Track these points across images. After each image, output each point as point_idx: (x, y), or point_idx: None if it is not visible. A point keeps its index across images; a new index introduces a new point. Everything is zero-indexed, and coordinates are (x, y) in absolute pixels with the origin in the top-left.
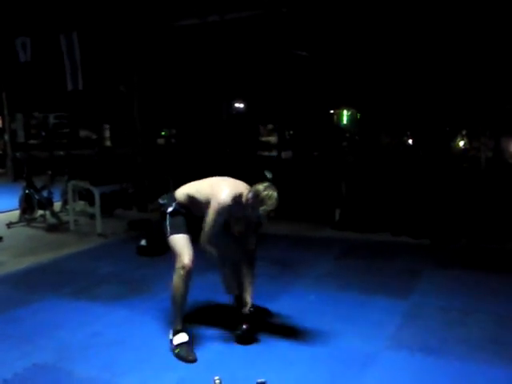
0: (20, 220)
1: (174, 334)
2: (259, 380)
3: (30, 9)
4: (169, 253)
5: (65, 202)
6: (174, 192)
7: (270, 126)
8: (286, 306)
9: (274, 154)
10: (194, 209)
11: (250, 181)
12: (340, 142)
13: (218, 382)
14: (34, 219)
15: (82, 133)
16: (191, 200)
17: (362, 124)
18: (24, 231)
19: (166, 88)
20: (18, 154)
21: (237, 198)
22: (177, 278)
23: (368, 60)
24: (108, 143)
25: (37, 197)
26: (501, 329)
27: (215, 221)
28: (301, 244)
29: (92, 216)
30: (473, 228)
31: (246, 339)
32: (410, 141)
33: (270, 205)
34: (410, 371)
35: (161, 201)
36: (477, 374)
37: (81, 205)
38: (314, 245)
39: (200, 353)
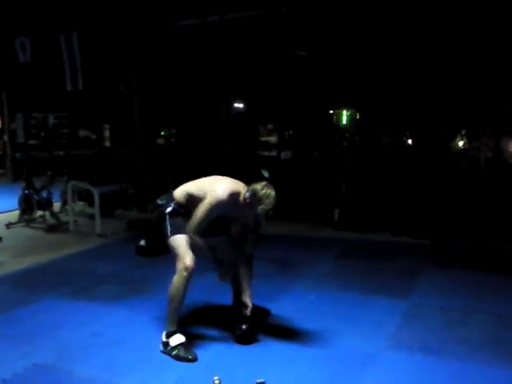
0: (19, 220)
1: (169, 336)
2: (259, 380)
3: (30, 9)
4: (168, 253)
5: (64, 203)
6: (172, 192)
7: (270, 126)
8: (285, 305)
9: (274, 154)
10: (193, 208)
11: (250, 181)
12: (340, 142)
13: (217, 382)
14: (34, 220)
15: (82, 133)
16: (190, 199)
17: (362, 124)
18: (23, 231)
19: (166, 88)
20: (17, 155)
21: (233, 196)
22: (178, 279)
23: (368, 60)
24: (108, 143)
25: (36, 197)
26: (501, 329)
27: (206, 214)
28: (301, 244)
29: (91, 216)
30: (473, 228)
31: (246, 339)
32: (410, 141)
33: (268, 204)
34: (410, 371)
35: (159, 201)
36: (477, 374)
37: (80, 205)
38: (313, 245)
39: (199, 353)
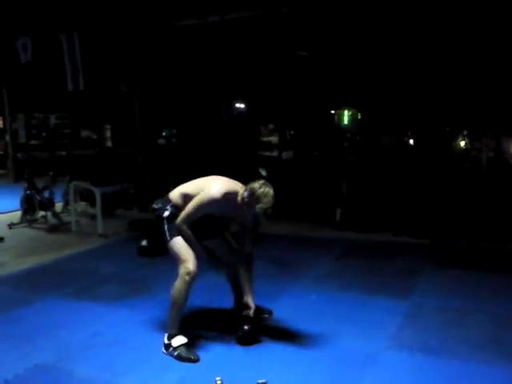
0: (21, 221)
1: (171, 338)
2: (260, 381)
3: (31, 9)
4: (169, 254)
5: (66, 203)
6: (168, 194)
7: (271, 126)
8: (286, 306)
9: (275, 154)
10: None
11: (251, 180)
12: (341, 142)
13: (219, 382)
14: (36, 220)
15: (83, 133)
16: (186, 199)
17: (363, 124)
18: (25, 232)
19: (167, 88)
20: (19, 155)
21: (229, 196)
22: (180, 284)
23: (369, 60)
24: (109, 143)
25: (38, 197)
26: (501, 329)
27: (198, 209)
28: (301, 244)
29: (93, 217)
30: (473, 228)
31: (248, 340)
32: (411, 141)
33: (267, 202)
34: (411, 371)
35: (155, 206)
36: (477, 374)
37: (82, 205)
38: (314, 245)
39: (201, 353)
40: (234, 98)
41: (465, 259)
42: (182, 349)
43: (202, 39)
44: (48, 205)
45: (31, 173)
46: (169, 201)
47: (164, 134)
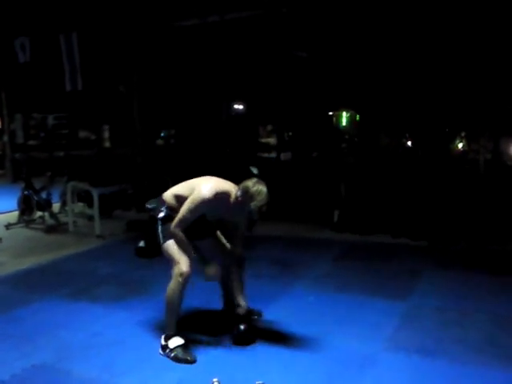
0: (19, 221)
1: (168, 339)
2: (258, 382)
3: (30, 9)
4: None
5: (64, 203)
6: (162, 195)
7: (270, 127)
8: (284, 306)
9: (274, 155)
10: None
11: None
12: (339, 143)
13: None
14: (33, 220)
15: (82, 133)
16: (179, 200)
17: (361, 126)
18: (23, 232)
19: (166, 88)
20: (17, 155)
21: (221, 196)
22: (174, 285)
23: (367, 62)
24: (107, 144)
25: (36, 198)
26: (500, 330)
27: (191, 212)
28: (300, 245)
29: (91, 217)
30: (472, 229)
31: (244, 339)
32: (410, 142)
33: (260, 200)
34: (408, 373)
35: (148, 206)
36: (475, 376)
37: (80, 206)
38: (312, 246)
39: (199, 354)
40: (233, 99)
41: (465, 260)
42: (179, 350)
43: (201, 39)
44: (45, 205)
45: (29, 173)
46: (163, 202)
47: (162, 134)
